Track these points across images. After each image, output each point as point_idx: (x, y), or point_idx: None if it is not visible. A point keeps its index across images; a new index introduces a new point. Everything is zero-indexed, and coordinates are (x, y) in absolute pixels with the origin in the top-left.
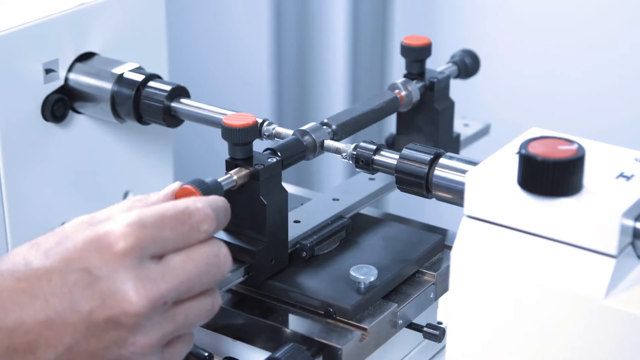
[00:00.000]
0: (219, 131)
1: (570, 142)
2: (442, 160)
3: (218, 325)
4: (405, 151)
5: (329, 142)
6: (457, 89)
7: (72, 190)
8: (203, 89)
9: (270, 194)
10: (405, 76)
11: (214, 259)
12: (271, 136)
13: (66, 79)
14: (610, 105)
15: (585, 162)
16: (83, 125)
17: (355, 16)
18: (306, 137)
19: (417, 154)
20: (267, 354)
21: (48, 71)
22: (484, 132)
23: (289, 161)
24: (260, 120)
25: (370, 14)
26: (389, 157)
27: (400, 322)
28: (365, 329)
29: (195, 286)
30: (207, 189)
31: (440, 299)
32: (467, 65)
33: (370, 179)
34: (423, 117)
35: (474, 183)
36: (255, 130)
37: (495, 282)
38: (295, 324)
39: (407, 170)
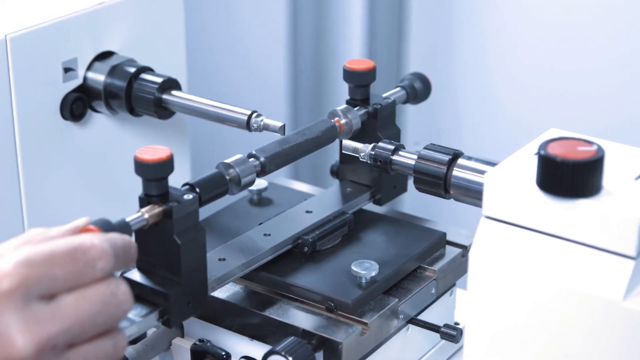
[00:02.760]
0: (233, 127)
1: (590, 143)
2: (460, 161)
3: (218, 320)
4: (423, 151)
5: (347, 142)
6: (475, 87)
7: (90, 189)
8: (220, 88)
9: (186, 233)
10: (347, 102)
11: (110, 298)
12: (259, 128)
13: (85, 78)
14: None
15: (605, 163)
16: (101, 123)
17: (371, 16)
18: (230, 171)
19: (435, 154)
20: (267, 347)
21: (67, 70)
22: None
23: (208, 197)
24: (249, 112)
25: (386, 15)
26: (408, 158)
27: (401, 317)
28: (365, 324)
29: (90, 328)
30: (110, 229)
31: (458, 299)
32: (417, 89)
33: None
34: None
35: (493, 184)
36: (170, 165)
37: (514, 283)
38: (296, 318)
39: (425, 171)
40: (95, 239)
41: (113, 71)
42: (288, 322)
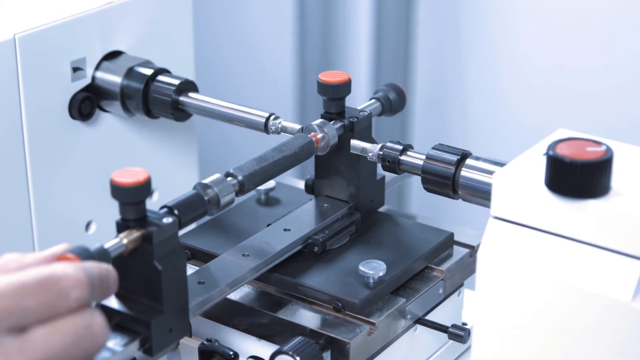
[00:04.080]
0: (241, 128)
1: (599, 143)
2: (468, 161)
3: (226, 320)
4: (431, 152)
5: (354, 142)
6: (483, 87)
7: (98, 189)
8: (227, 88)
9: (166, 258)
10: (322, 116)
11: (84, 330)
12: (277, 131)
13: (93, 77)
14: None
15: (613, 164)
16: (109, 123)
17: (378, 16)
18: (208, 191)
19: (443, 154)
20: (275, 347)
21: (75, 69)
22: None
23: (188, 219)
24: (267, 115)
25: (394, 14)
26: (416, 158)
27: (408, 317)
28: (373, 324)
29: None
30: (88, 256)
31: (466, 300)
32: (392, 100)
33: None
34: (342, 160)
35: (501, 184)
36: (147, 188)
37: (522, 284)
38: (304, 317)
39: (433, 171)
40: (69, 268)
41: (129, 73)
42: (295, 322)
